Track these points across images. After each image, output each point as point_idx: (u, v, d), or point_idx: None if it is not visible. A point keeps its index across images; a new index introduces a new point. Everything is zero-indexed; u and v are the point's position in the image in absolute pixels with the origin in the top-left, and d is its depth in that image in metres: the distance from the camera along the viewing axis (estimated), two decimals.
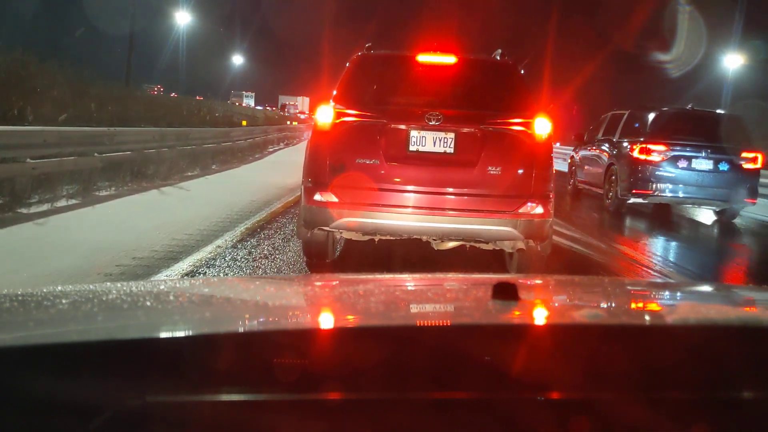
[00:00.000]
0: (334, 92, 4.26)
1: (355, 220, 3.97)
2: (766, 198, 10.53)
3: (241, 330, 0.90)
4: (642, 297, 1.47)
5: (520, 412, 0.71)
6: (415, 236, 4.18)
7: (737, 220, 9.30)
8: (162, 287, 1.45)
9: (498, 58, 4.55)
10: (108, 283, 1.74)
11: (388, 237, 4.18)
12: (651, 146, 8.99)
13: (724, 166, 8.84)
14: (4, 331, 0.89)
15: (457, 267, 4.64)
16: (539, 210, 3.98)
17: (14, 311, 1.01)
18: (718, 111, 11.04)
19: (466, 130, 4.05)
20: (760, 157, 9.03)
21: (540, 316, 1.07)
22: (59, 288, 1.17)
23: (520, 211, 3.97)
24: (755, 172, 9.02)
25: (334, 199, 3.94)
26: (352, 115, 4.07)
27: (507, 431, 0.72)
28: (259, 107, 59.83)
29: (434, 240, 4.22)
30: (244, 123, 20.13)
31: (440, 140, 4.05)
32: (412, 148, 4.01)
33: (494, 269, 4.71)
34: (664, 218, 9.56)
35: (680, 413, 0.74)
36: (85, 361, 0.71)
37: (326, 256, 4.45)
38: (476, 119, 4.06)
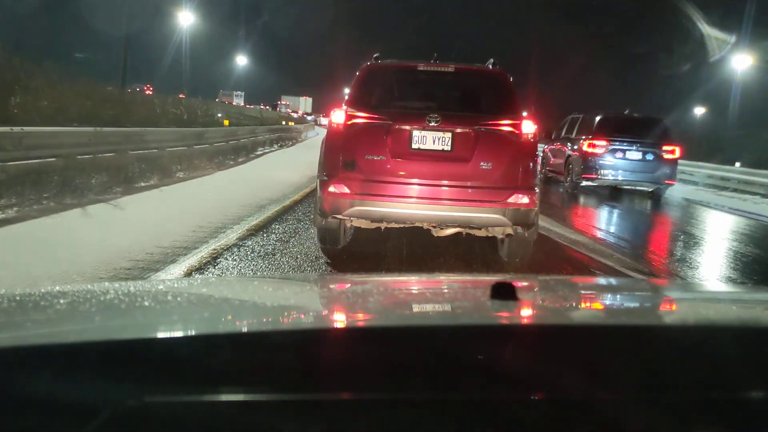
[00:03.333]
0: (346, 97, 4.77)
1: (364, 209, 4.40)
2: (681, 182, 14.87)
3: (239, 330, 0.88)
4: (641, 297, 1.45)
5: (519, 412, 0.70)
6: (417, 223, 4.62)
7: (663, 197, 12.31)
8: (160, 287, 1.41)
9: (491, 66, 4.93)
10: (106, 283, 1.61)
11: (393, 225, 4.65)
12: (596, 142, 11.84)
13: (650, 157, 11.69)
14: (2, 331, 0.88)
15: (452, 253, 5.12)
16: (525, 200, 4.40)
17: (12, 311, 1.00)
18: (648, 115, 13.37)
19: (461, 130, 4.49)
20: (677, 149, 11.96)
21: (539, 317, 1.06)
22: (57, 288, 1.16)
23: (509, 201, 4.39)
24: (674, 161, 11.95)
25: (347, 190, 4.37)
26: (362, 117, 4.53)
27: (507, 431, 0.71)
28: (249, 106, 60.27)
29: (434, 227, 4.68)
30: (226, 122, 18.12)
31: (439, 139, 4.45)
32: (414, 146, 4.47)
33: (486, 253, 5.21)
34: (609, 196, 12.37)
35: (679, 413, 0.72)
36: (83, 362, 0.70)
37: (338, 243, 4.90)
38: (470, 121, 4.53)
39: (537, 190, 4.51)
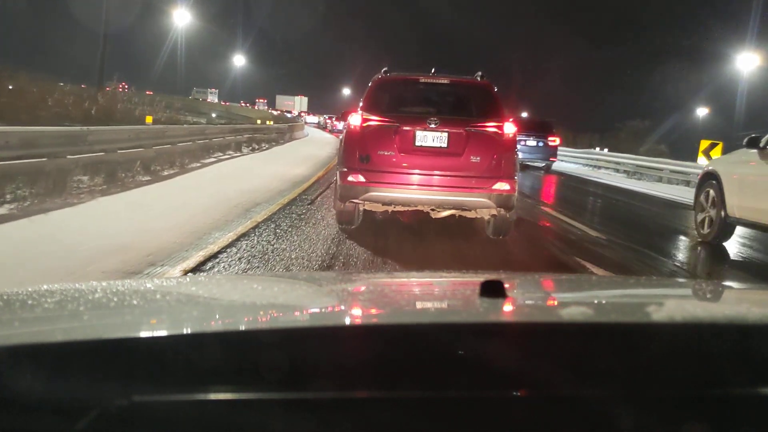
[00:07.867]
0: (361, 104, 5.85)
1: (377, 194, 5.45)
2: (562, 160, 23.05)
3: (227, 329, 0.88)
4: (628, 294, 1.47)
5: (508, 409, 0.71)
6: (419, 206, 5.64)
7: (552, 169, 20.17)
8: (149, 286, 1.41)
9: (479, 78, 6.07)
10: (93, 282, 1.52)
11: (399, 208, 5.73)
12: None
13: (541, 143, 19.18)
14: None
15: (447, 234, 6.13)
16: (506, 187, 5.43)
17: None
18: (541, 118, 21.87)
19: (455, 130, 5.50)
20: (557, 139, 20.12)
21: (527, 314, 1.06)
22: (45, 287, 1.12)
23: (493, 187, 5.41)
24: (556, 146, 19.92)
25: (362, 179, 5.42)
26: (374, 120, 5.59)
27: (496, 429, 0.71)
28: (224, 103, 60.84)
29: (432, 209, 5.68)
30: (149, 119, 13.79)
31: (437, 138, 5.48)
32: (417, 143, 5.50)
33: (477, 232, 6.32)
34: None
35: (667, 410, 0.73)
36: (71, 361, 0.70)
37: (353, 223, 5.89)
38: (463, 123, 5.59)
39: (516, 179, 5.49)
